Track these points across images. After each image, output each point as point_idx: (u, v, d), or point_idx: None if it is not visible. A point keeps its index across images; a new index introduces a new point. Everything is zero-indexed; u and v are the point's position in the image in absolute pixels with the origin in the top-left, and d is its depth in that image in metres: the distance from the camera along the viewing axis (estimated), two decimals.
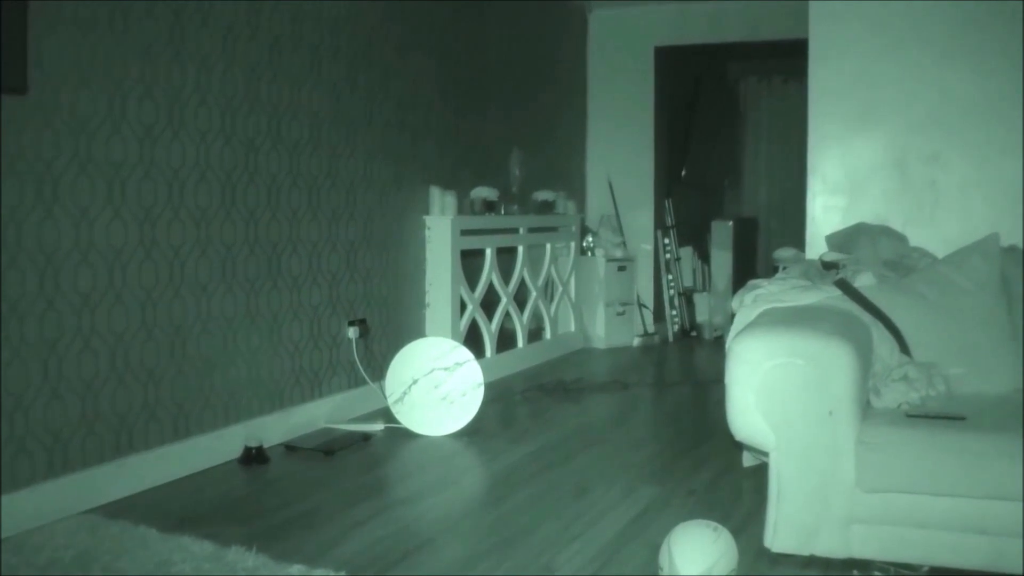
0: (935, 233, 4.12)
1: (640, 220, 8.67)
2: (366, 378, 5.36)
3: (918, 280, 3.68)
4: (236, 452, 4.45)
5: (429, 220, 6.03)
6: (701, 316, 8.92)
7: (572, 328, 7.94)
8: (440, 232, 6.02)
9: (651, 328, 8.56)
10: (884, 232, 3.99)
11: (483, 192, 6.47)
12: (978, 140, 4.24)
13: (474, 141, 6.73)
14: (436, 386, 5.07)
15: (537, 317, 7.43)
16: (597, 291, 8.09)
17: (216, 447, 4.37)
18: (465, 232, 6.20)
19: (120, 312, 3.90)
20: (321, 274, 5.09)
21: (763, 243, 10.09)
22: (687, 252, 9.03)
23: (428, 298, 6.04)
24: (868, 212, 4.30)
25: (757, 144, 10.74)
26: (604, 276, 8.07)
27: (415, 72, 5.97)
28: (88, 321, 3.75)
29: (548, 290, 7.59)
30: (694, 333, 8.85)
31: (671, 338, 8.67)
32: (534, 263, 7.29)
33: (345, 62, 5.26)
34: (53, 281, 3.60)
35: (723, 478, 4.19)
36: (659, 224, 8.72)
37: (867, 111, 4.39)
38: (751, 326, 3.29)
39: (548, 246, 7.46)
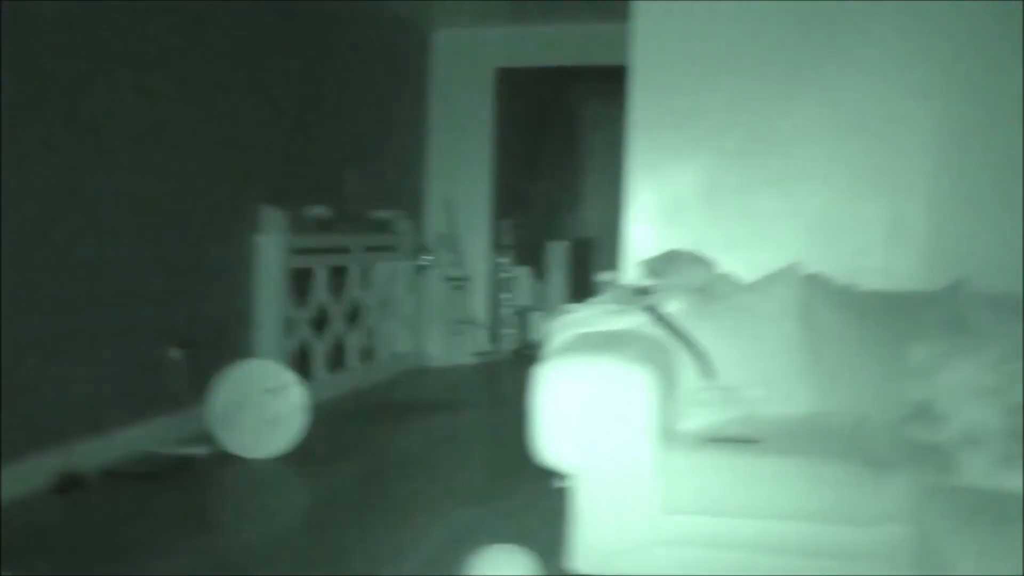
0: (745, 260, 4.26)
1: (478, 240, 8.75)
2: (190, 400, 5.26)
3: (723, 306, 3.81)
4: (50, 480, 4.30)
5: (260, 239, 5.95)
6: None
7: (407, 347, 7.94)
8: (270, 251, 5.95)
9: (487, 346, 8.63)
10: (694, 259, 4.12)
11: (316, 210, 6.43)
12: (786, 172, 4.41)
13: (309, 160, 6.69)
14: (260, 408, 5.02)
15: (371, 336, 7.41)
16: (433, 310, 8.12)
17: (28, 474, 4.22)
18: (297, 251, 6.15)
19: None
20: (144, 294, 4.98)
21: (599, 263, 10.28)
22: (524, 272, 9.14)
23: (258, 318, 5.97)
24: (682, 239, 4.41)
25: (595, 166, 10.94)
26: (440, 295, 8.11)
27: (248, 90, 5.91)
28: None
29: (383, 309, 7.59)
30: (529, 352, 8.94)
31: (507, 356, 8.75)
32: (369, 282, 7.27)
33: (174, 79, 5.17)
34: None
35: (541, 500, 4.25)
36: (496, 244, 8.81)
37: (683, 139, 4.50)
38: (557, 352, 3.36)
39: (383, 265, 7.46)
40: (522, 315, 9.00)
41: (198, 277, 5.44)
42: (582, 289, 8.98)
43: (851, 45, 4.36)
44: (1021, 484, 2.82)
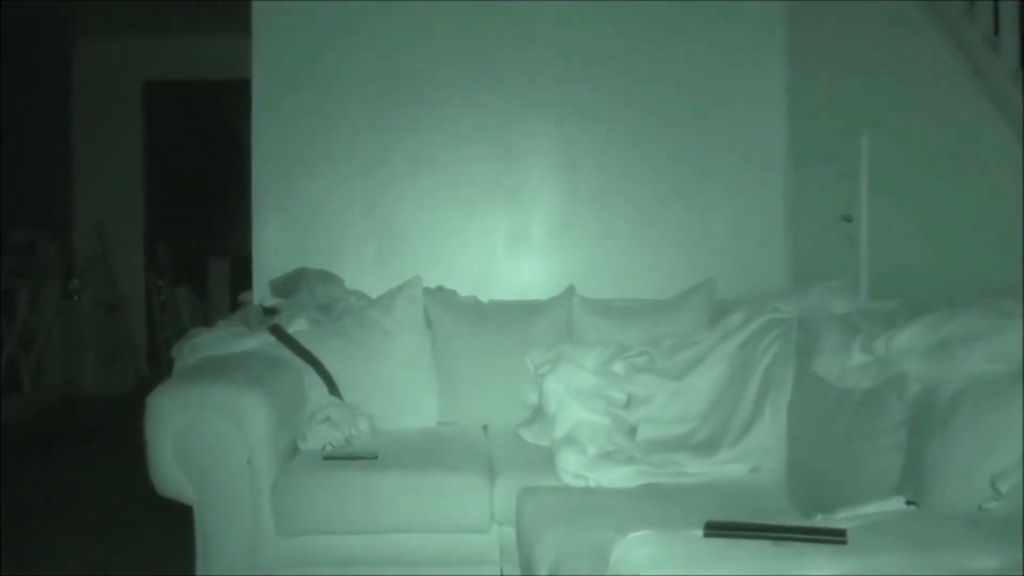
0: (374, 276, 4.29)
1: (133, 260, 8.41)
2: None
3: (349, 323, 3.82)
4: None
5: None
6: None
7: (58, 376, 7.51)
8: None
9: (146, 371, 8.30)
10: (321, 277, 4.11)
11: None
12: (416, 188, 4.48)
13: None
14: None
15: (14, 367, 6.95)
16: (85, 336, 7.71)
17: None
18: None
19: None
20: None
21: None
22: (184, 292, 8.86)
23: None
24: (314, 257, 4.39)
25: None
26: (93, 320, 7.71)
27: None
28: None
29: (28, 336, 7.13)
30: None
31: None
32: (11, 308, 6.82)
33: None
34: None
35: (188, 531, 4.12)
36: (152, 265, 8.49)
37: (309, 155, 4.48)
38: (170, 379, 3.28)
39: (26, 290, 7.02)
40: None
41: None
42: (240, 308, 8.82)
43: (474, 63, 4.49)
44: (613, 480, 2.99)
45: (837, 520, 1.75)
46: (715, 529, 1.57)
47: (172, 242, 8.68)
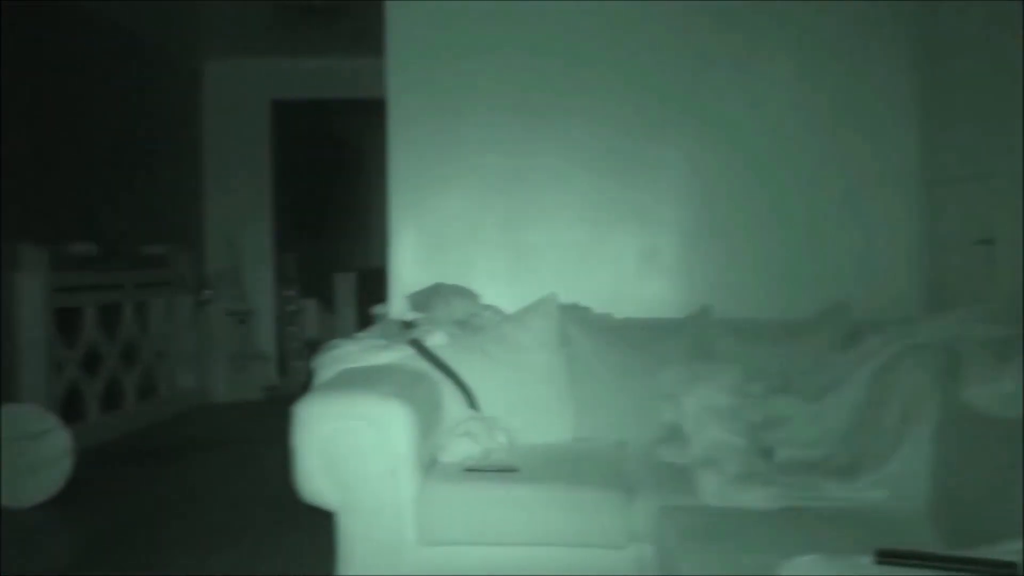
0: (508, 292, 4.36)
1: (262, 273, 8.64)
2: None
3: (485, 338, 3.88)
4: None
5: (18, 278, 5.71)
6: None
7: (191, 383, 7.76)
8: (31, 290, 5.72)
9: (276, 380, 8.51)
10: (457, 292, 4.19)
11: (81, 247, 6.22)
12: (546, 207, 4.53)
13: (72, 196, 6.46)
14: (21, 455, 4.81)
15: (149, 374, 7.21)
16: (216, 345, 7.95)
17: None
18: (61, 289, 5.93)
19: None
20: None
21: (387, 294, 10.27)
22: (311, 304, 9.07)
23: (21, 359, 5.71)
24: (446, 272, 4.47)
25: (381, 197, 10.92)
26: (223, 330, 7.96)
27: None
28: None
29: (163, 345, 7.39)
30: None
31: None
32: (147, 318, 7.07)
33: None
34: None
35: (320, 536, 4.22)
36: (281, 276, 8.71)
37: (444, 174, 4.56)
38: (317, 389, 3.37)
39: (161, 300, 7.27)
40: (311, 348, 8.90)
41: None
42: (370, 321, 8.98)
43: (605, 85, 4.53)
44: (753, 501, 2.98)
45: (1006, 552, 1.73)
46: (887, 556, 1.58)
47: (299, 256, 8.89)
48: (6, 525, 4.47)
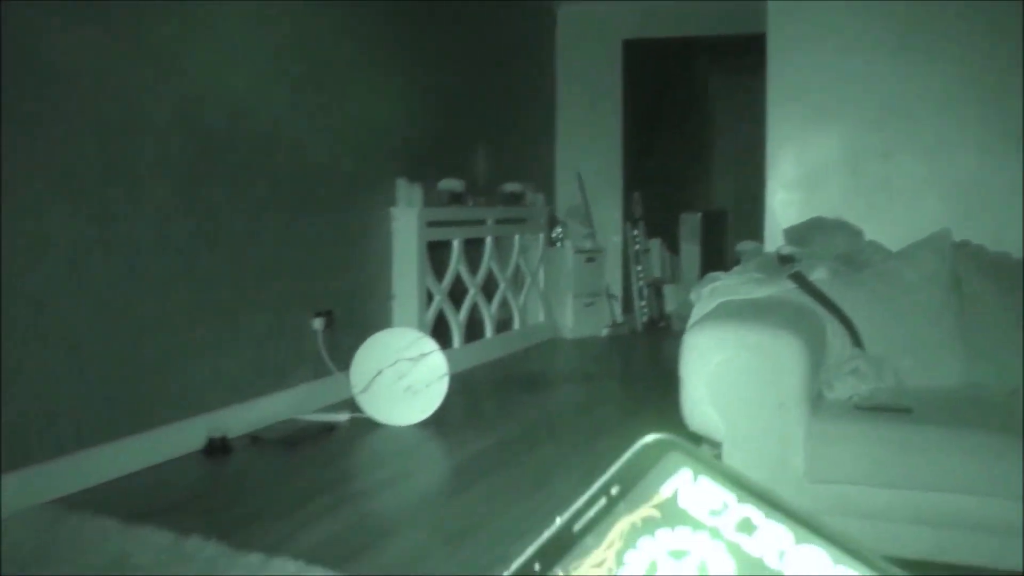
0: (889, 228, 4.16)
1: (609, 212, 8.73)
2: (331, 368, 5.38)
3: (870, 275, 3.73)
4: (199, 443, 4.46)
5: (395, 212, 6.05)
6: (670, 307, 8.98)
7: (541, 319, 7.98)
8: (406, 224, 6.05)
9: (620, 319, 8.61)
10: (839, 227, 4.05)
11: (450, 184, 6.50)
12: (930, 138, 4.29)
13: (442, 134, 6.76)
14: (401, 376, 5.11)
15: (505, 308, 7.47)
16: (566, 282, 8.14)
17: (179, 438, 4.39)
18: (431, 224, 6.23)
19: (77, 306, 3.91)
20: (285, 267, 5.11)
21: (731, 235, 10.16)
22: (656, 244, 9.09)
23: (393, 289, 6.06)
24: (825, 207, 4.34)
25: (725, 139, 10.81)
26: (573, 267, 8.12)
27: (382, 67, 6.00)
28: (45, 316, 3.77)
29: (516, 281, 7.63)
30: (663, 324, 8.91)
31: (640, 329, 8.72)
32: (502, 254, 7.32)
33: (307, 58, 5.28)
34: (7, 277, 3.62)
35: None
36: (628, 216, 8.78)
37: (823, 108, 4.42)
38: (704, 319, 3.34)
39: (516, 237, 7.50)
40: (655, 288, 8.95)
41: (337, 250, 5.55)
42: (715, 261, 8.92)
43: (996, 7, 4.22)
44: None
45: None
46: None
47: (646, 195, 8.92)
48: (389, 443, 4.77)
